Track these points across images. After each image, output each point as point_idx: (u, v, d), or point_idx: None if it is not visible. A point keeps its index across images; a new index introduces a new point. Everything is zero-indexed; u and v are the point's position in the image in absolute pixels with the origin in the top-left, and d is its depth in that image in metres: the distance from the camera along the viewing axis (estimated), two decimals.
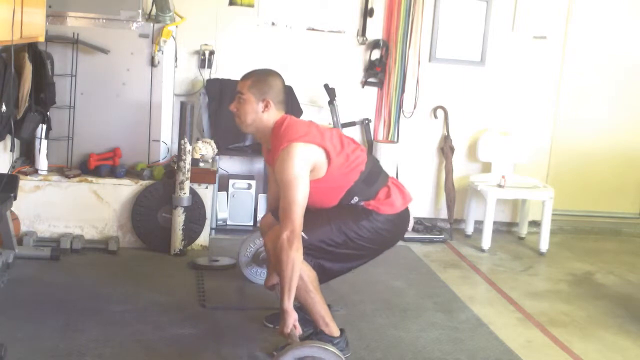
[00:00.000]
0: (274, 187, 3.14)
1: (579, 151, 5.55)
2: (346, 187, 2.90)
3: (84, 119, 4.25)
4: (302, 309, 2.93)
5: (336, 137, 2.94)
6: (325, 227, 2.87)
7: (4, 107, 3.46)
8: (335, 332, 2.91)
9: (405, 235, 4.86)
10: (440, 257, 4.66)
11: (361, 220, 2.90)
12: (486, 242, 4.84)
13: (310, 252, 2.83)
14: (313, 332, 2.92)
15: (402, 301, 3.72)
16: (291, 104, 4.77)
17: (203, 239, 4.27)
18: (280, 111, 2.94)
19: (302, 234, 2.74)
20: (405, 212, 3.03)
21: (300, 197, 2.70)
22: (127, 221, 4.18)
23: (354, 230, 2.89)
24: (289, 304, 2.66)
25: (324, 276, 2.96)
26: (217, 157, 4.61)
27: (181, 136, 4.10)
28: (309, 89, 4.95)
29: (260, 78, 2.94)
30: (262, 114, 2.89)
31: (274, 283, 3.08)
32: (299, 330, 2.72)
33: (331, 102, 4.82)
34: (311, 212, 2.84)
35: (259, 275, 3.71)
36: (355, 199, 2.91)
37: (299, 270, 2.68)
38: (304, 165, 2.75)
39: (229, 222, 4.74)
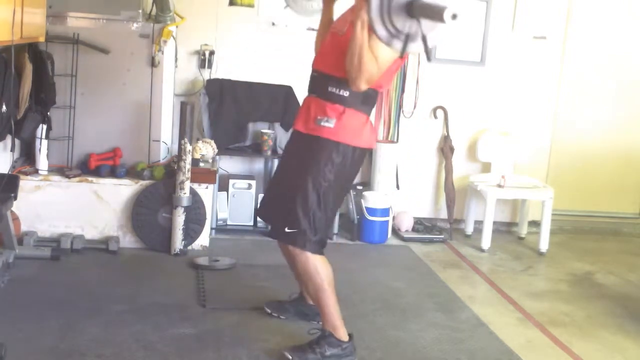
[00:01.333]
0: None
1: (579, 151, 5.56)
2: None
3: (84, 119, 4.25)
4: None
5: None
6: (299, 209, 2.79)
7: (4, 107, 3.46)
8: (344, 337, 2.89)
9: (405, 235, 4.95)
10: (440, 257, 4.66)
11: (324, 170, 2.77)
12: (486, 242, 4.85)
13: (306, 236, 2.79)
14: (321, 334, 2.89)
15: (402, 301, 3.72)
16: (291, 104, 4.78)
17: (203, 239, 4.28)
18: None
19: (290, 230, 2.79)
20: (362, 153, 2.87)
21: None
22: (128, 221, 4.18)
23: (321, 187, 2.78)
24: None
25: (324, 243, 2.91)
26: (217, 157, 4.61)
27: (181, 136, 4.10)
28: None
29: None
30: None
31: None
32: None
33: None
34: (280, 196, 2.90)
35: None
36: (346, 93, 2.72)
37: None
38: None
39: (229, 222, 4.74)
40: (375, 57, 2.57)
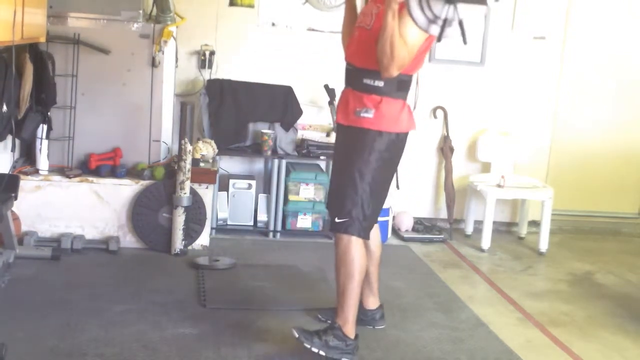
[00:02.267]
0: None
1: (578, 151, 5.55)
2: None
3: (85, 119, 4.25)
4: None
5: None
6: (347, 199, 2.88)
7: (5, 107, 3.46)
8: (351, 334, 2.91)
9: (405, 235, 4.96)
10: (440, 257, 4.66)
11: (369, 159, 2.86)
12: (486, 242, 4.85)
13: (356, 224, 2.87)
14: (330, 325, 2.92)
15: (402, 301, 3.72)
16: (291, 104, 4.78)
17: (203, 239, 4.28)
18: None
19: (341, 219, 2.86)
20: (404, 137, 2.96)
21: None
22: (128, 221, 4.18)
23: (369, 176, 2.88)
24: None
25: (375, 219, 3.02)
26: (218, 157, 4.62)
27: (181, 136, 4.11)
28: (309, 89, 4.96)
29: None
30: None
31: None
32: None
33: (331, 103, 4.83)
34: (332, 188, 3.01)
35: None
36: (381, 83, 2.81)
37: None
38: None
39: (229, 222, 4.74)
40: (404, 42, 2.66)
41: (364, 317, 3.21)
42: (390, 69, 2.68)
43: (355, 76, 2.93)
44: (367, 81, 2.86)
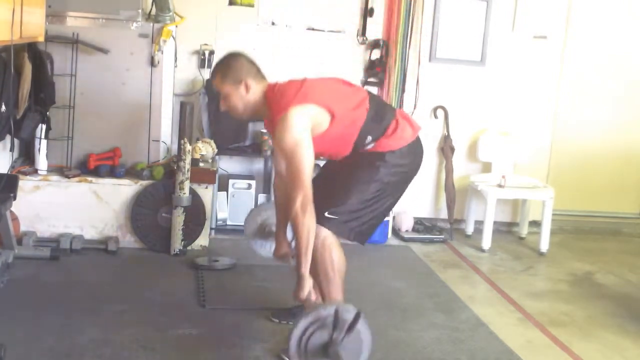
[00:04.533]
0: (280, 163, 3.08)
1: (579, 151, 5.55)
2: (357, 129, 2.86)
3: (84, 118, 4.25)
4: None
5: (333, 85, 3.00)
6: (347, 198, 2.85)
7: (3, 107, 3.45)
8: None
9: (405, 235, 4.95)
10: (441, 257, 4.65)
11: (378, 170, 2.88)
12: (486, 242, 4.84)
13: (346, 225, 2.84)
14: None
15: (402, 301, 3.71)
16: None
17: (203, 239, 4.27)
18: (262, 81, 2.98)
19: (331, 215, 2.79)
20: (417, 141, 3.01)
21: (305, 163, 2.66)
22: (127, 221, 4.17)
23: (375, 184, 2.88)
24: (305, 270, 2.65)
25: (366, 236, 2.98)
26: (217, 157, 4.61)
27: (181, 136, 4.10)
28: None
29: (224, 67, 2.97)
30: (248, 96, 2.92)
31: (283, 253, 3.15)
32: (314, 297, 2.71)
33: None
34: (328, 186, 2.88)
35: (264, 247, 3.50)
36: (369, 138, 2.87)
37: (314, 234, 2.66)
38: (303, 129, 2.70)
39: (228, 222, 4.74)
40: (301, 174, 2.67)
41: None
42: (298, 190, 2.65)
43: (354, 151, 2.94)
44: (362, 150, 2.90)
